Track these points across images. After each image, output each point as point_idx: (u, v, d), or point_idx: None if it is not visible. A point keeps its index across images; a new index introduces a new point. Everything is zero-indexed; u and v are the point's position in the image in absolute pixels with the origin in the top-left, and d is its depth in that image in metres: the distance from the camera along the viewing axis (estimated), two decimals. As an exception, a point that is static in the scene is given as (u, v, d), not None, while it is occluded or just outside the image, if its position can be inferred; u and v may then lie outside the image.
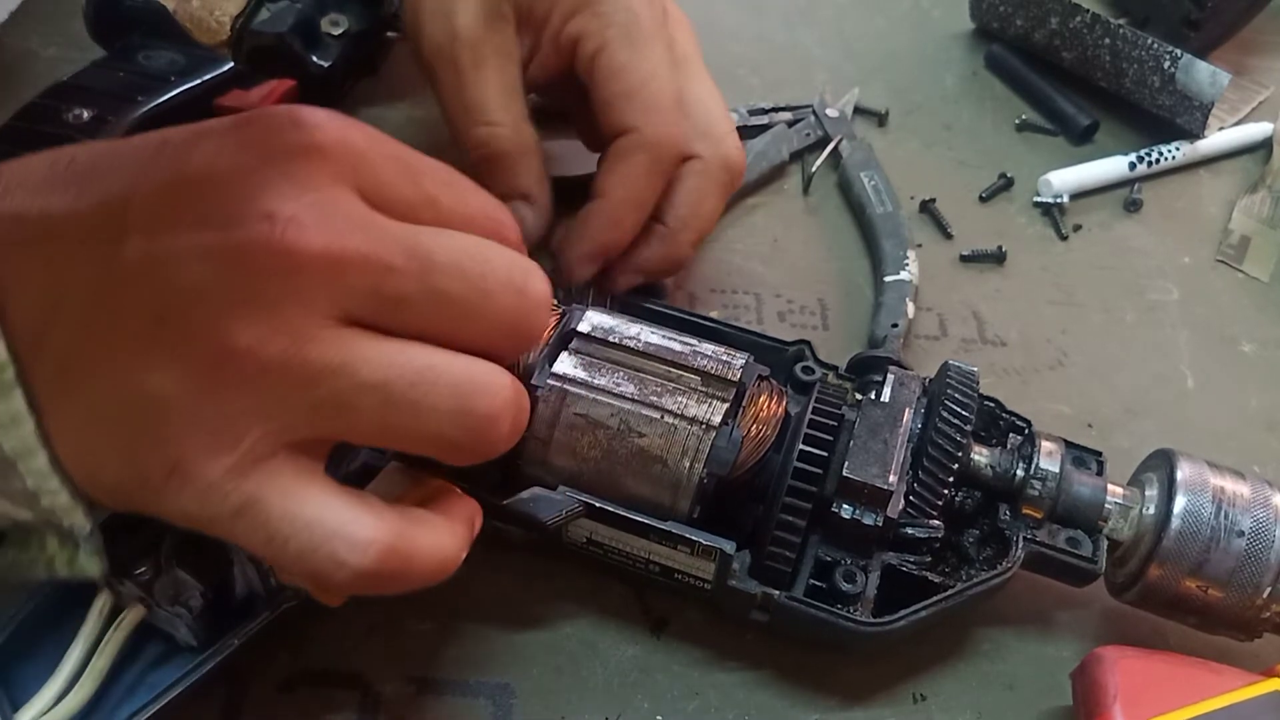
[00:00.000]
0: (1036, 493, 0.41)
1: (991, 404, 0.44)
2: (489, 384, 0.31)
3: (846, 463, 0.39)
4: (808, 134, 0.64)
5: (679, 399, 0.39)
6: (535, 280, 0.33)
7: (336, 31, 0.59)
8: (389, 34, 0.62)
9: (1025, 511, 0.41)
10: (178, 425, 0.28)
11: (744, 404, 0.40)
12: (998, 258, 0.59)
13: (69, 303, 0.28)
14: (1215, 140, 0.67)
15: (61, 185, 0.29)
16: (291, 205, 0.28)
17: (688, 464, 0.38)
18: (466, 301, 0.31)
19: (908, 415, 0.41)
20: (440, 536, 0.32)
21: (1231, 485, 0.40)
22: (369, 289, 0.29)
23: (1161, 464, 0.42)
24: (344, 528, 0.29)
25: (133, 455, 0.28)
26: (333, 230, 0.29)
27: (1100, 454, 0.44)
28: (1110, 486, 0.41)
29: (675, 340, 0.41)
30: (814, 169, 0.62)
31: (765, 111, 0.64)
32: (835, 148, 0.63)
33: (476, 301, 0.31)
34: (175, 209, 0.28)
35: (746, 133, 0.63)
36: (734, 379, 0.40)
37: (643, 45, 0.46)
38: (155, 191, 0.29)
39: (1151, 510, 0.40)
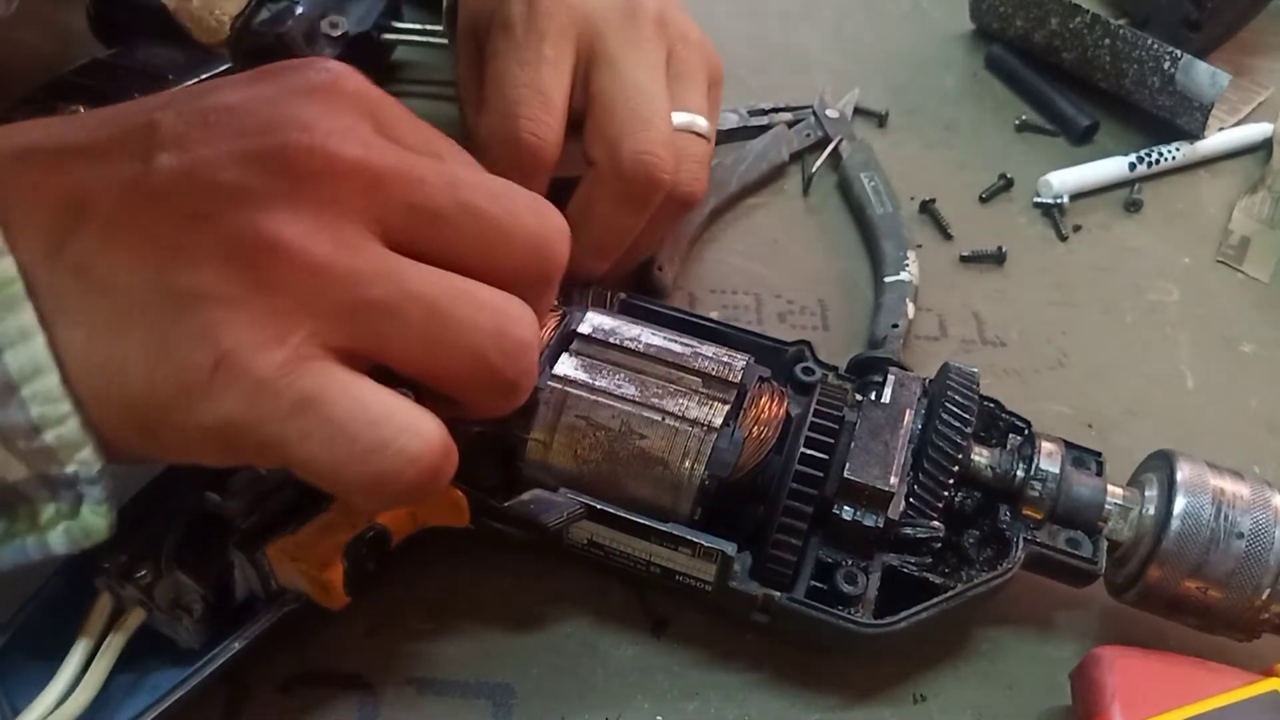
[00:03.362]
0: (1036, 493, 0.41)
1: (991, 405, 0.44)
2: (521, 312, 0.31)
3: (847, 464, 0.39)
4: (808, 134, 0.64)
5: (680, 401, 0.39)
6: (549, 207, 0.33)
7: (335, 33, 0.59)
8: (388, 37, 0.62)
9: (1025, 512, 0.41)
10: (222, 319, 0.27)
11: (745, 406, 0.40)
12: (998, 258, 0.59)
13: (91, 215, 0.27)
14: (1215, 141, 0.67)
15: (77, 124, 0.29)
16: (326, 121, 0.29)
17: (689, 466, 0.38)
18: (494, 218, 0.31)
19: (908, 416, 0.41)
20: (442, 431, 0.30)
21: (1231, 486, 0.40)
22: (403, 202, 0.29)
23: (1161, 465, 0.42)
24: (414, 422, 0.28)
25: (169, 354, 0.27)
26: (366, 145, 0.29)
27: (1100, 454, 0.44)
28: (1110, 487, 0.42)
29: (676, 342, 0.41)
30: (814, 169, 0.62)
31: (765, 112, 0.64)
32: (835, 148, 0.63)
33: (504, 220, 0.31)
34: (206, 129, 0.28)
35: (746, 133, 0.63)
36: (735, 381, 0.40)
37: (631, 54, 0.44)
38: (183, 117, 0.29)
39: (1151, 511, 0.41)
